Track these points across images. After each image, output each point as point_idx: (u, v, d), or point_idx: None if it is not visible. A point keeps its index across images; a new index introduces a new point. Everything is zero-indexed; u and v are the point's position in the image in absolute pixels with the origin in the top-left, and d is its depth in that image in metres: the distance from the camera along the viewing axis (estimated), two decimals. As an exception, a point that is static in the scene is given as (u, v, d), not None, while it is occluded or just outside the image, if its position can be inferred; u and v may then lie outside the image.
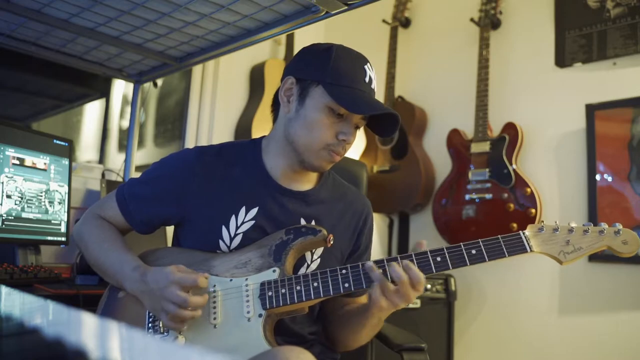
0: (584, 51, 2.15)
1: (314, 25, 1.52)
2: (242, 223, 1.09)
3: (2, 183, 1.47)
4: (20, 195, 1.52)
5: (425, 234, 2.52)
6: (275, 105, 1.17)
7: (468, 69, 2.44)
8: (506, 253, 0.97)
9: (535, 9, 2.34)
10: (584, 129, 2.11)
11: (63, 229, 1.65)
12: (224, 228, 1.08)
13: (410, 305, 2.01)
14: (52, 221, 1.62)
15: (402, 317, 1.15)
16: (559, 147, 2.20)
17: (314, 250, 1.12)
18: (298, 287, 1.00)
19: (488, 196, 2.22)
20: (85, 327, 0.51)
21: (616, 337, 1.94)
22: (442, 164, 2.48)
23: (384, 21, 2.74)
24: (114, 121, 2.49)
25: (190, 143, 2.55)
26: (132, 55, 1.83)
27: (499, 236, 0.98)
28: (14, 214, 1.50)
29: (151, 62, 1.91)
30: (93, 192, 2.01)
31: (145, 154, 2.54)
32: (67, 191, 1.67)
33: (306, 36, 2.50)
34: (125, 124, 2.37)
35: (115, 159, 2.41)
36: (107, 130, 2.46)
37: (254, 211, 1.09)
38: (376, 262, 1.00)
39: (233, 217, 1.09)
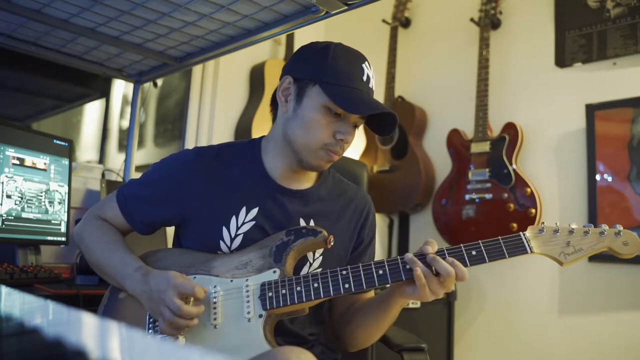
0: (584, 51, 2.15)
1: (314, 25, 1.52)
2: (243, 223, 1.09)
3: (2, 183, 1.47)
4: (20, 195, 1.52)
5: (425, 234, 2.51)
6: (274, 105, 1.17)
7: (468, 69, 2.44)
8: (506, 254, 0.97)
9: (535, 9, 2.34)
10: (584, 129, 2.11)
11: (63, 229, 1.65)
12: (224, 229, 1.08)
13: (410, 305, 2.01)
14: (52, 221, 1.62)
15: (402, 317, 1.14)
16: (559, 147, 2.20)
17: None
18: (298, 288, 1.00)
19: (488, 196, 2.22)
20: (85, 327, 0.51)
21: (616, 337, 1.94)
22: (442, 164, 2.48)
23: (384, 21, 2.74)
24: (114, 121, 2.49)
25: (190, 143, 2.55)
26: (132, 55, 1.83)
27: (499, 237, 0.98)
28: (14, 214, 1.50)
29: (151, 62, 1.91)
30: (93, 192, 2.01)
31: (145, 154, 2.54)
32: (67, 191, 1.67)
33: (306, 36, 2.50)
34: (125, 124, 2.37)
35: (115, 159, 2.41)
36: (107, 130, 2.45)
37: (254, 211, 1.09)
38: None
39: (233, 217, 1.09)
